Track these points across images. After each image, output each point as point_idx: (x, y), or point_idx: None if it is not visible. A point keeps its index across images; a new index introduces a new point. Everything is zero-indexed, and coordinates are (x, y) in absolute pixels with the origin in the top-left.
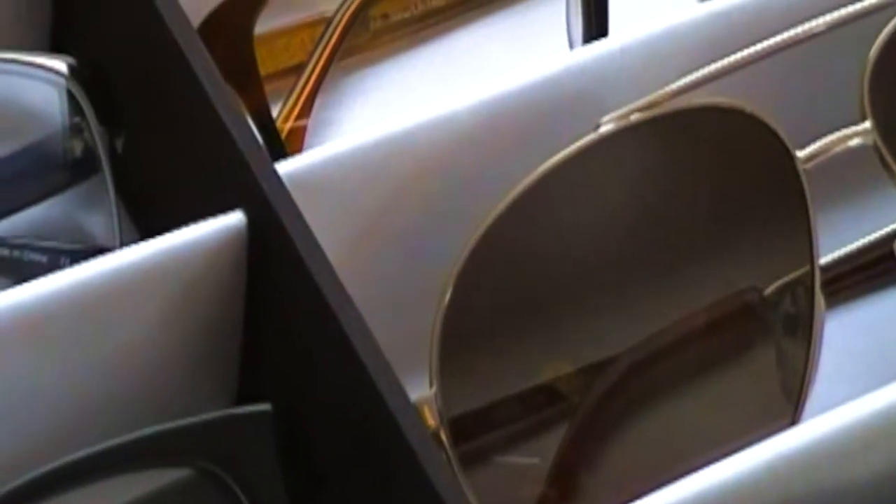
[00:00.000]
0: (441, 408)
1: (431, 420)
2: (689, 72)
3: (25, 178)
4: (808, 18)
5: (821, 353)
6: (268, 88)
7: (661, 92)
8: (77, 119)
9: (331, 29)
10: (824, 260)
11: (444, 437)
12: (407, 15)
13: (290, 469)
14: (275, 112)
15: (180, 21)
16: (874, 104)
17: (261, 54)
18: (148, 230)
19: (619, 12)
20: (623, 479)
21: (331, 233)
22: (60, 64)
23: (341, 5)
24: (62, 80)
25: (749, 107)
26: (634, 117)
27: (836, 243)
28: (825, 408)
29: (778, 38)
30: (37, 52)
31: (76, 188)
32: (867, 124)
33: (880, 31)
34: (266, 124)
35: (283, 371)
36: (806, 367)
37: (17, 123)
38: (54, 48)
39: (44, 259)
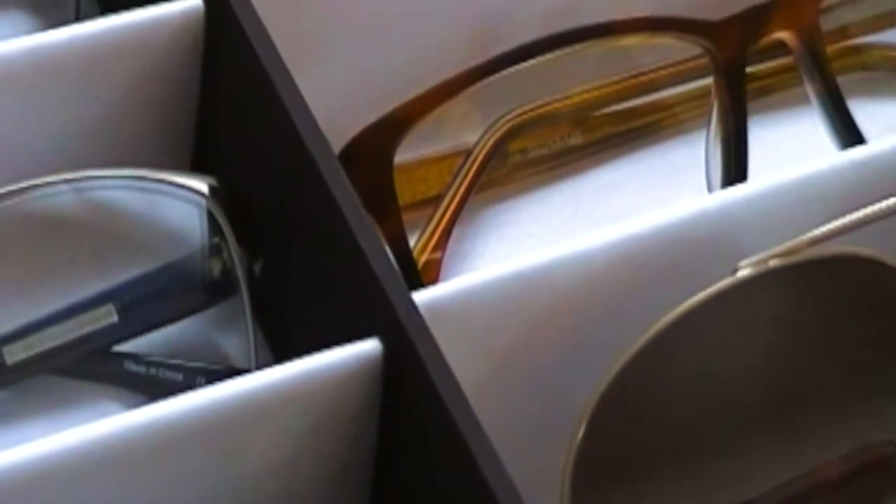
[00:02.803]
0: None
1: None
2: (829, 220)
3: (164, 297)
4: None
5: None
6: (405, 218)
7: (800, 239)
8: (216, 240)
9: (469, 161)
10: None
11: None
12: (546, 151)
13: None
14: (411, 241)
15: (322, 147)
16: None
17: (399, 183)
18: (283, 353)
19: (759, 157)
20: None
21: (465, 364)
22: (201, 184)
23: (481, 138)
24: (203, 201)
25: (889, 258)
26: (773, 263)
27: None
28: None
29: None
30: (178, 172)
31: (213, 308)
32: None
33: None
34: (403, 254)
35: (416, 500)
36: None
37: (158, 242)
38: (196, 167)
39: (179, 377)
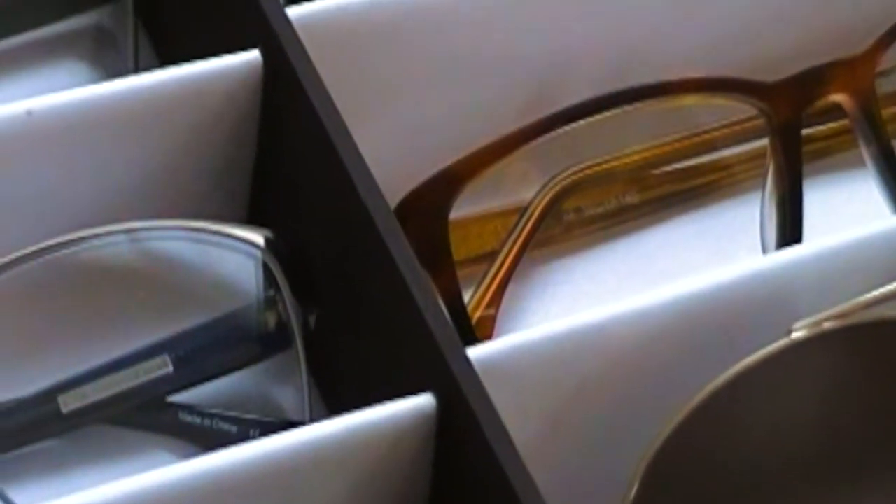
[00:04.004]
0: None
1: None
2: (884, 283)
3: (219, 348)
4: None
5: None
6: (459, 274)
7: (854, 302)
8: (272, 293)
9: (524, 219)
10: None
11: None
12: (600, 210)
13: None
14: (465, 297)
15: (378, 201)
16: None
17: (454, 239)
18: (337, 406)
19: (814, 219)
20: None
21: (519, 420)
22: (258, 236)
23: (536, 196)
24: (258, 253)
25: None
26: (827, 325)
27: None
28: None
29: None
30: (235, 224)
31: (268, 360)
32: None
33: None
34: (457, 310)
35: None
36: None
37: (213, 293)
38: (252, 219)
39: (234, 429)
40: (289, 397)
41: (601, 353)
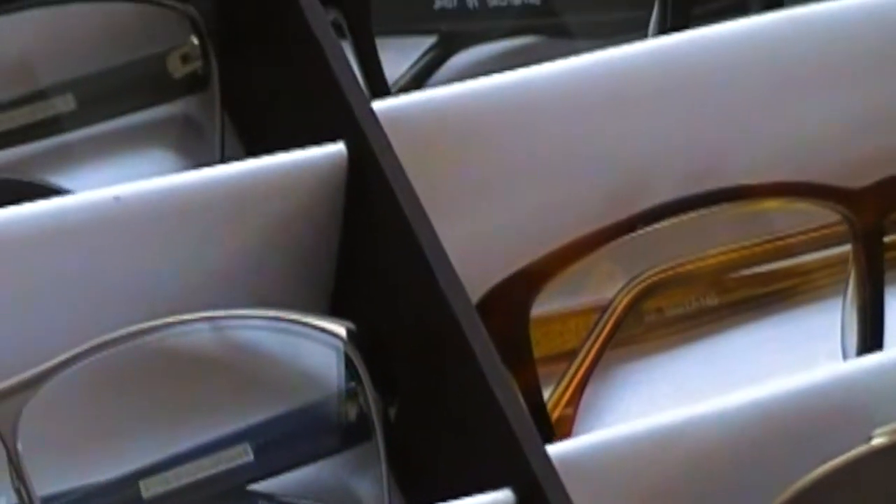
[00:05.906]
0: None
1: None
2: None
3: (299, 439)
4: None
5: None
6: (539, 371)
7: None
8: (353, 384)
9: (605, 318)
10: None
11: None
12: (681, 311)
13: None
14: (545, 395)
15: (460, 296)
16: None
17: (535, 336)
18: (416, 498)
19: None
20: None
21: None
22: (340, 328)
23: (616, 296)
24: (341, 345)
25: None
26: None
27: None
28: None
29: None
30: (317, 315)
31: (348, 451)
32: None
33: None
34: (537, 406)
35: None
36: None
37: (295, 383)
38: (334, 310)
39: None
40: (368, 489)
41: (680, 455)
